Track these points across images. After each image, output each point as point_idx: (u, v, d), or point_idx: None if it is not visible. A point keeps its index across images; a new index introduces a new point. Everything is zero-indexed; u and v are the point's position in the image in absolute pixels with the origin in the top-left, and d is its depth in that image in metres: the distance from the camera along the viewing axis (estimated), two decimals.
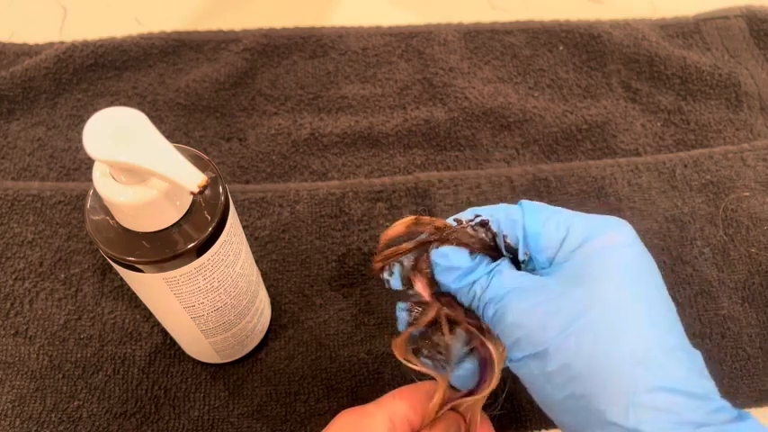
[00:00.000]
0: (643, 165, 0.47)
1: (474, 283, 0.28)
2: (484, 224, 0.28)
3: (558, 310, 0.25)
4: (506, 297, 0.26)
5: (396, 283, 0.30)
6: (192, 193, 0.24)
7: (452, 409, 0.30)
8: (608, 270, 0.25)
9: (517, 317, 0.25)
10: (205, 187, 0.24)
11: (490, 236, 0.28)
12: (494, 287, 0.27)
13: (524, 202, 0.28)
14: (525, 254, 0.27)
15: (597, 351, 0.23)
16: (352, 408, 0.29)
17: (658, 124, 0.50)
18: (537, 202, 0.29)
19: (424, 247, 0.30)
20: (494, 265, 0.28)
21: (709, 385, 0.24)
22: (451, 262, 0.28)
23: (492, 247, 0.29)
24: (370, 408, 0.29)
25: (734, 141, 0.49)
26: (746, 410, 0.24)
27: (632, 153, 0.48)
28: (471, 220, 0.29)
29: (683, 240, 0.44)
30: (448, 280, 0.28)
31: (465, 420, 0.30)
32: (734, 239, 0.44)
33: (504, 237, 0.28)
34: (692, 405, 0.22)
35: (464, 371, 0.29)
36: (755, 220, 0.44)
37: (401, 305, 0.31)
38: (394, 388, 0.38)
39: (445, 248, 0.29)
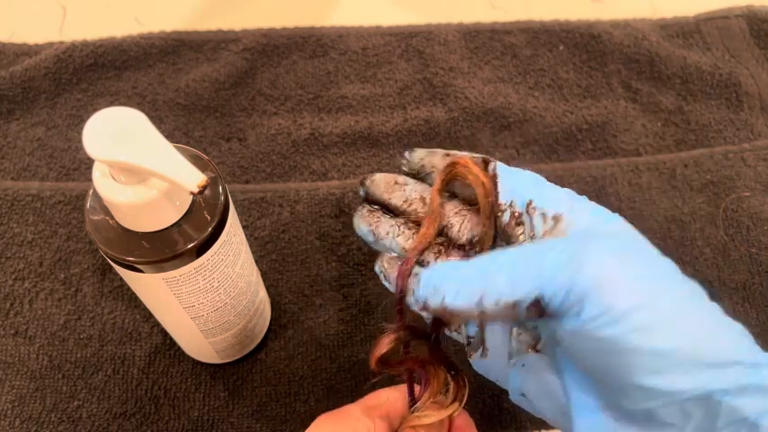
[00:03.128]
0: (643, 165, 0.47)
1: None
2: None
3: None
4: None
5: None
6: (191, 193, 0.24)
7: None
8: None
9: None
10: (205, 187, 0.24)
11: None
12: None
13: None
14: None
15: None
16: (330, 411, 0.29)
17: (659, 124, 0.50)
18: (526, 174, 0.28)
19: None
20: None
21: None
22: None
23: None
24: (348, 407, 0.29)
25: (734, 141, 0.49)
26: None
27: (633, 153, 0.48)
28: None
29: (683, 240, 0.44)
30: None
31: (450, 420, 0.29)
32: (734, 240, 0.44)
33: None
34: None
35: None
36: (756, 221, 0.44)
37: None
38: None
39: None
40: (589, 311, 0.21)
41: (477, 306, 0.23)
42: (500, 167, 0.28)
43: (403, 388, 0.30)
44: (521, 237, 0.27)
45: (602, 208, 0.27)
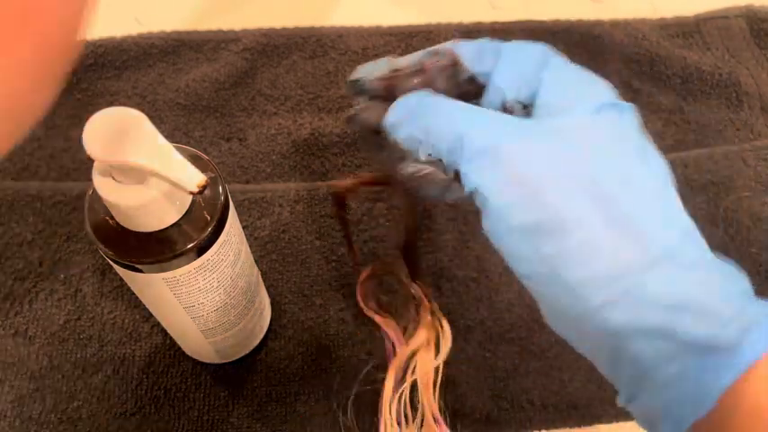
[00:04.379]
0: None
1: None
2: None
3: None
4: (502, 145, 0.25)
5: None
6: (191, 193, 0.24)
7: None
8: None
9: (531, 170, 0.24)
10: (204, 187, 0.24)
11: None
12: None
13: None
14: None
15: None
16: None
17: (659, 124, 0.50)
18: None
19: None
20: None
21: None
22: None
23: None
24: None
25: (734, 141, 0.49)
26: None
27: None
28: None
29: None
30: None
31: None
32: (734, 239, 0.44)
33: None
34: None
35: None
36: (756, 220, 0.44)
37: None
38: None
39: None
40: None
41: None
42: (505, 50, 0.27)
43: None
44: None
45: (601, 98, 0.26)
